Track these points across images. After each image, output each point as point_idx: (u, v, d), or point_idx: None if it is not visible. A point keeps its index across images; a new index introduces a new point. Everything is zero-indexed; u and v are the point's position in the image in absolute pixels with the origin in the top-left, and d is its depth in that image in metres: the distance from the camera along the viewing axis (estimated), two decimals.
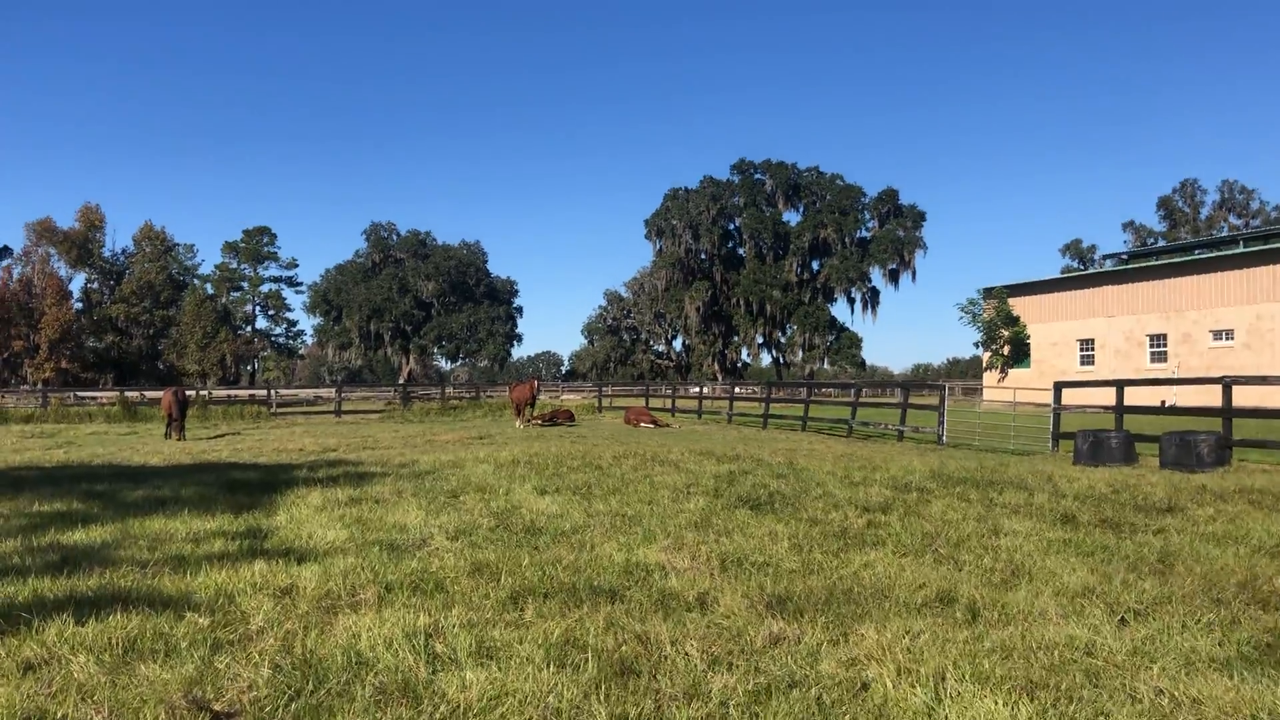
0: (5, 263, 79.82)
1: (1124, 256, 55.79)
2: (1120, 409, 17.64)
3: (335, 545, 7.43)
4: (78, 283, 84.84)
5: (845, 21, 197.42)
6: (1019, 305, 48.73)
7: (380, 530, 8.18)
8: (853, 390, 28.69)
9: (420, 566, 6.44)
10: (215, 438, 24.75)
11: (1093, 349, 45.89)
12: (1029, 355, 47.64)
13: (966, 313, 47.96)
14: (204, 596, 5.59)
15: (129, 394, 36.06)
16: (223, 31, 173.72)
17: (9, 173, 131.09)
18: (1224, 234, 65.80)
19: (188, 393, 28.55)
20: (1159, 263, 45.51)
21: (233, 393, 42.62)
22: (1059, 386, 18.98)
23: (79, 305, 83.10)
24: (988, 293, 48.60)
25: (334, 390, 37.11)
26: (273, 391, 38.23)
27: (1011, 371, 46.73)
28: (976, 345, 49.19)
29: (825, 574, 6.32)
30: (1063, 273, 67.17)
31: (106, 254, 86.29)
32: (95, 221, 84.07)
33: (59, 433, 27.87)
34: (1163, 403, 33.48)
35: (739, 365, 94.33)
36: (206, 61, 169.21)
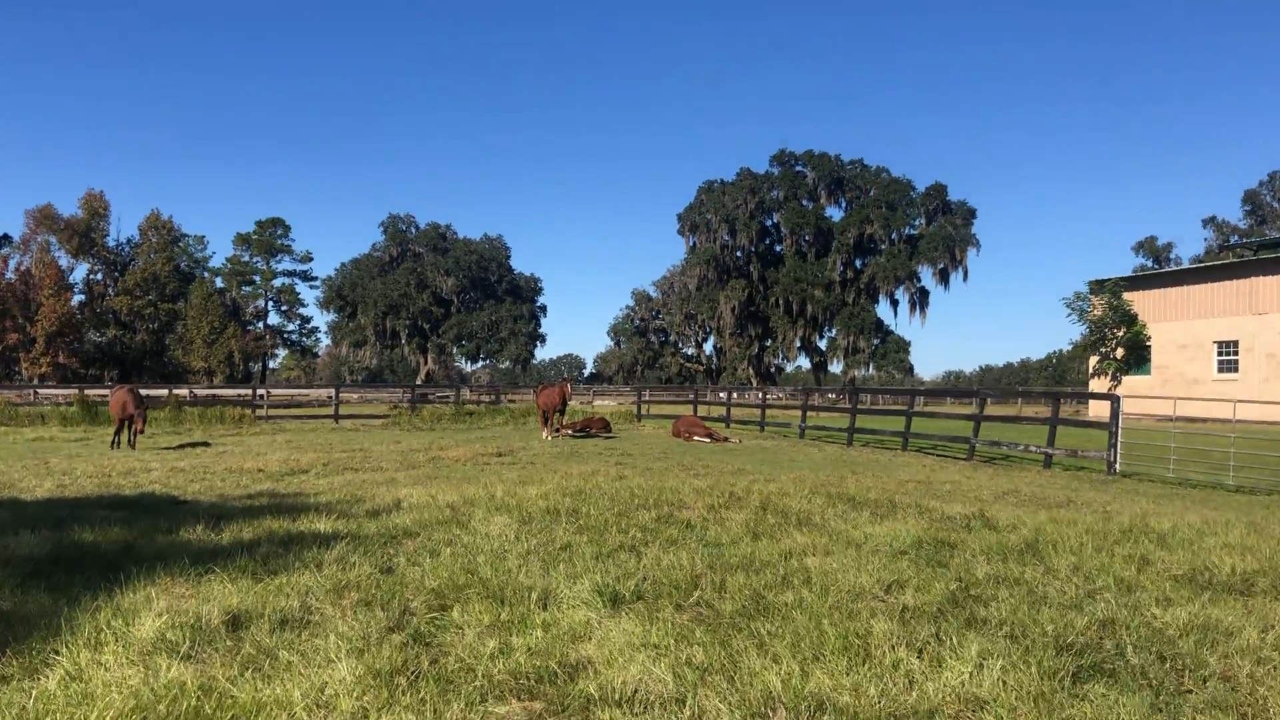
0: (3, 251, 75.53)
1: (1253, 244, 48.21)
2: None
3: None
4: (80, 273, 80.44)
5: (887, 19, 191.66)
6: (1137, 300, 42.12)
7: None
8: (975, 400, 22.93)
9: None
10: (174, 448, 19.89)
11: (1235, 352, 38.81)
12: (1148, 360, 41.47)
13: (1073, 309, 41.56)
14: None
15: (89, 392, 30.96)
16: (236, 18, 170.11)
17: (9, 158, 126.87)
18: None
19: (154, 393, 23.43)
20: None
21: (216, 393, 37.47)
22: None
23: (80, 297, 78.68)
24: (1098, 286, 41.85)
25: (333, 391, 31.96)
26: (262, 392, 32.96)
27: (1126, 379, 40.32)
28: (1085, 348, 42.85)
29: None
30: (1136, 271, 60.70)
31: (111, 243, 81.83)
32: (99, 209, 79.67)
33: None
34: None
35: (773, 369, 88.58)
36: (219, 49, 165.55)
